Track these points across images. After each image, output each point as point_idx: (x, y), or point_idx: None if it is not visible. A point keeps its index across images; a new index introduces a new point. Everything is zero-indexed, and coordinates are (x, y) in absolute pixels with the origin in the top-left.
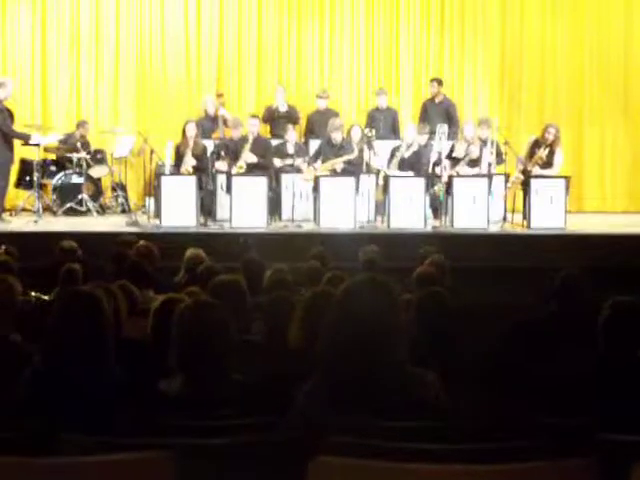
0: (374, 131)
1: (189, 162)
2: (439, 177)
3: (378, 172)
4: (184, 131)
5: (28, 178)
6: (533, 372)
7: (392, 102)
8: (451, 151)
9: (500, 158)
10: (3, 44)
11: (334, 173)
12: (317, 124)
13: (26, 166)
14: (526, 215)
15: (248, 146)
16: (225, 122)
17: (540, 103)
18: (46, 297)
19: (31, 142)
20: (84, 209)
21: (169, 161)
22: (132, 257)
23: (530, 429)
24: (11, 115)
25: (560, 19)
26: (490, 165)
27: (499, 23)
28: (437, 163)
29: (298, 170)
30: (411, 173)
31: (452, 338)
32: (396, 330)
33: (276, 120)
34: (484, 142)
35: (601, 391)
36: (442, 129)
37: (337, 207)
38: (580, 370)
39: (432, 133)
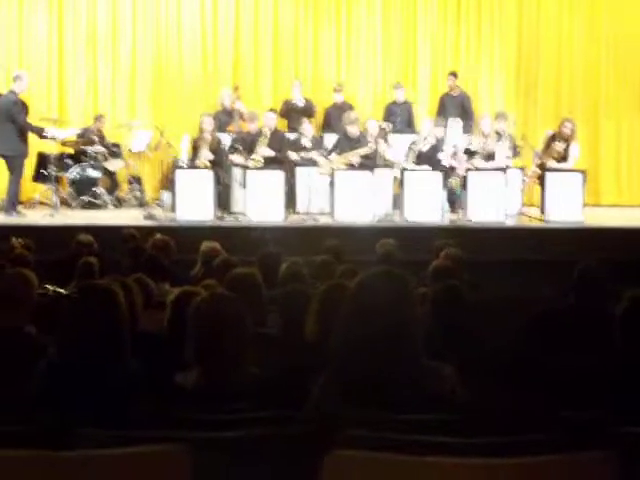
0: (390, 125)
1: (205, 156)
2: (454, 169)
3: (394, 165)
4: (200, 125)
5: (44, 171)
6: (550, 365)
7: (409, 96)
8: (467, 145)
9: (515, 151)
10: (20, 37)
11: (350, 166)
12: (333, 118)
13: (43, 159)
14: (543, 208)
15: (264, 140)
16: (241, 116)
17: (556, 97)
18: (62, 290)
19: (46, 135)
20: (100, 202)
21: (185, 155)
22: (148, 250)
23: (547, 422)
24: (26, 108)
25: (577, 12)
26: (506, 158)
27: (515, 16)
28: (452, 156)
29: (314, 163)
30: (428, 167)
31: (468, 331)
32: (412, 323)
33: (292, 114)
34: (500, 135)
35: (618, 384)
36: (456, 122)
37: (353, 200)
38: (597, 363)
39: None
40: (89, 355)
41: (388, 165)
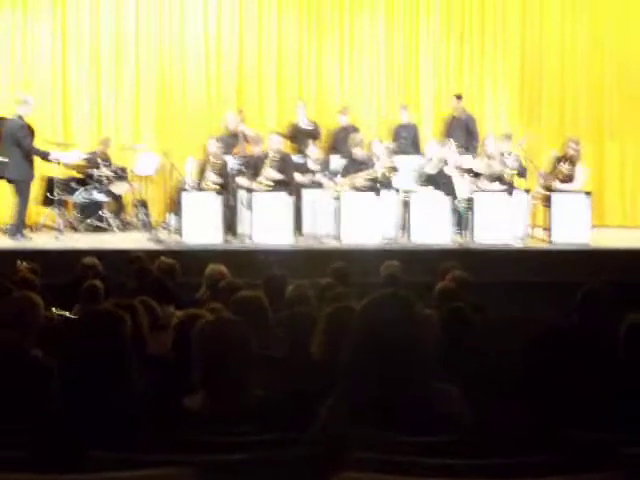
0: (394, 144)
1: (210, 178)
2: (453, 188)
3: (399, 188)
4: (205, 148)
5: (50, 195)
6: (554, 385)
7: (412, 118)
8: (472, 166)
9: (522, 169)
10: (24, 61)
11: (356, 189)
12: (338, 140)
13: (48, 183)
14: (549, 230)
15: (269, 162)
16: (246, 138)
17: (560, 117)
18: (68, 313)
19: (50, 159)
20: (105, 225)
21: (190, 177)
22: (154, 273)
23: (553, 443)
24: (32, 132)
25: (579, 31)
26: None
27: (518, 36)
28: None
29: (319, 185)
30: (433, 188)
31: (474, 353)
32: (418, 345)
33: (298, 136)
34: (503, 155)
35: (622, 404)
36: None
37: (359, 223)
38: (601, 383)
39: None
40: (95, 378)
41: (393, 187)
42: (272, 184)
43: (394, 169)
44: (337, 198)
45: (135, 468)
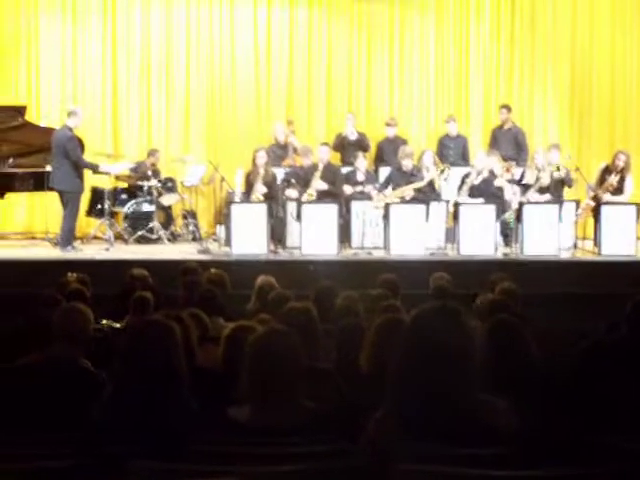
0: (450, 167)
1: (259, 190)
2: (506, 201)
3: (448, 200)
4: (254, 159)
5: (99, 206)
6: (604, 398)
7: (462, 129)
8: (521, 178)
9: (569, 179)
10: (74, 72)
11: (404, 200)
12: (386, 152)
13: (97, 194)
14: (597, 242)
15: (318, 174)
16: (295, 150)
17: (610, 129)
18: (117, 325)
19: (99, 171)
20: (155, 237)
21: (239, 189)
22: (203, 285)
23: (605, 454)
24: (81, 144)
25: (630, 43)
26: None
27: (569, 48)
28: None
29: (368, 197)
30: (481, 200)
31: (523, 365)
32: (466, 357)
33: (346, 148)
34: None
35: None
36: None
37: (407, 234)
38: None
39: (504, 160)
40: (145, 390)
41: (441, 199)
42: (319, 195)
43: (444, 180)
44: (385, 209)
45: (180, 478)
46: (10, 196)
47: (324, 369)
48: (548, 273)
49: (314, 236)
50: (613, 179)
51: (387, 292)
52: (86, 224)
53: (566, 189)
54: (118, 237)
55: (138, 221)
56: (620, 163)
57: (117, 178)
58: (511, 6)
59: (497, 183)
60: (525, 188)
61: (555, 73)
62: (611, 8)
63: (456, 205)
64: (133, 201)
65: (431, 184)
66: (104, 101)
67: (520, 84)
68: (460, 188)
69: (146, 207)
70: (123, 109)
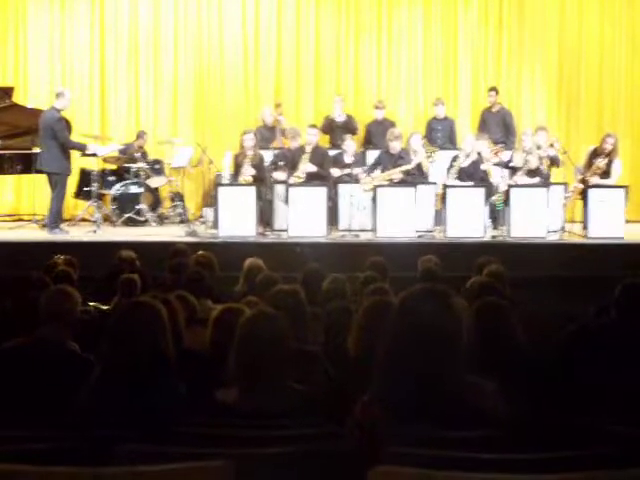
0: (438, 150)
1: (247, 172)
2: (494, 185)
3: (436, 183)
4: (242, 141)
5: (87, 188)
6: (593, 381)
7: (450, 112)
8: (509, 160)
9: (557, 159)
10: (62, 54)
11: (392, 183)
12: (375, 134)
13: (85, 176)
14: (585, 224)
15: (307, 156)
16: (283, 132)
17: (598, 112)
18: (104, 307)
19: (88, 152)
20: (143, 219)
21: (227, 171)
22: (191, 267)
23: (593, 437)
24: (68, 125)
25: (618, 26)
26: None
27: (557, 30)
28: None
29: (356, 180)
30: (470, 183)
31: (510, 347)
32: (455, 339)
33: (334, 130)
34: (539, 148)
35: None
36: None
37: (395, 217)
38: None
39: (494, 144)
40: (133, 372)
41: (429, 181)
42: (307, 178)
43: (431, 163)
44: (373, 192)
45: (171, 461)
46: None
47: (312, 352)
48: (536, 256)
49: (302, 218)
50: (601, 162)
51: (376, 274)
52: (74, 206)
53: (554, 171)
54: (106, 219)
55: (126, 203)
56: (608, 146)
57: (105, 160)
58: None
59: (483, 167)
60: (513, 171)
61: (543, 56)
62: None
63: (444, 188)
64: (121, 183)
65: (419, 167)
66: (92, 83)
67: (508, 67)
68: (448, 171)
69: (134, 189)
70: (111, 91)
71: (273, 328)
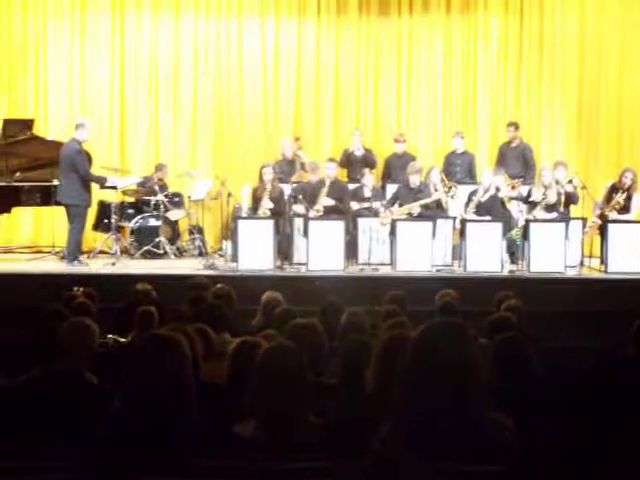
0: (457, 187)
1: (266, 205)
2: (512, 219)
3: (455, 217)
4: (261, 174)
5: (106, 220)
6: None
7: (469, 146)
8: (528, 195)
9: (575, 196)
10: (82, 87)
11: (411, 217)
12: (394, 168)
13: (104, 209)
14: (603, 259)
15: (325, 190)
16: (302, 166)
17: (617, 148)
18: (122, 339)
19: (107, 185)
20: (161, 252)
21: (246, 204)
22: (209, 300)
23: (612, 474)
24: (89, 158)
25: (638, 63)
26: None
27: (576, 67)
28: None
29: (375, 214)
30: (488, 217)
31: (529, 383)
32: (473, 374)
33: (352, 164)
34: (558, 183)
35: None
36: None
37: (414, 251)
38: None
39: (512, 178)
40: (153, 405)
41: (448, 216)
42: (326, 211)
43: (451, 197)
44: (392, 226)
45: None
46: (17, 210)
47: (329, 385)
48: (554, 291)
49: (321, 252)
50: (620, 197)
51: (396, 308)
52: (92, 238)
53: (573, 207)
54: (124, 252)
55: (144, 236)
56: (627, 181)
57: (124, 192)
58: (519, 24)
59: (501, 195)
60: (532, 205)
61: (563, 91)
62: (619, 26)
63: (463, 222)
64: (140, 216)
65: (438, 201)
66: (112, 115)
67: (527, 101)
68: (467, 205)
69: (153, 222)
70: (131, 123)
71: (291, 361)
